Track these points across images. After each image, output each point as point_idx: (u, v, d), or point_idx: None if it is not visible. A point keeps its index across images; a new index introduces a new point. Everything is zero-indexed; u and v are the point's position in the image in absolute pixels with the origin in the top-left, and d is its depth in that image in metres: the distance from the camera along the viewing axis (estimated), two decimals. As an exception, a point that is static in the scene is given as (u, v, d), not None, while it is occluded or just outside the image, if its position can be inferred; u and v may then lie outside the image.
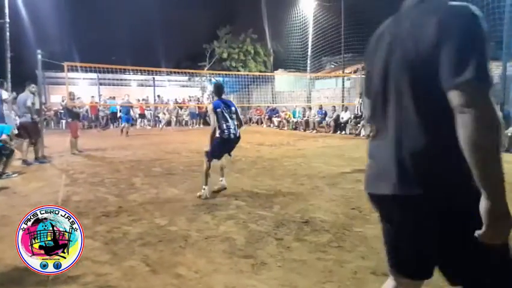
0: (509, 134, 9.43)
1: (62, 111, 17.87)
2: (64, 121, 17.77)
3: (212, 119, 5.00)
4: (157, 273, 2.78)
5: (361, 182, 5.85)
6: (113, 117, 19.85)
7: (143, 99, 21.33)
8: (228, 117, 4.98)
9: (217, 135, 4.98)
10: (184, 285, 2.59)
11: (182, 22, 25.60)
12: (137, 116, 20.06)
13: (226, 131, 4.93)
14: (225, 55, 23.02)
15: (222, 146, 5.04)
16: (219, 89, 5.22)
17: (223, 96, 5.22)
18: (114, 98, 20.04)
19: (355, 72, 16.40)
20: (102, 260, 2.96)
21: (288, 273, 2.77)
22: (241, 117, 5.40)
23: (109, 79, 20.82)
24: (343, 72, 17.13)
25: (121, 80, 22.83)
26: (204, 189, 4.90)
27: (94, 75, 19.90)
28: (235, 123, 5.08)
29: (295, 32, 20.78)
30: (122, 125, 14.94)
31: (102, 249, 3.18)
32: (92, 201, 4.79)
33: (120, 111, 17.56)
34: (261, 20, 23.19)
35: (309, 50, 19.89)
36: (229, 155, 5.34)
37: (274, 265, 2.89)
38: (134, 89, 24.03)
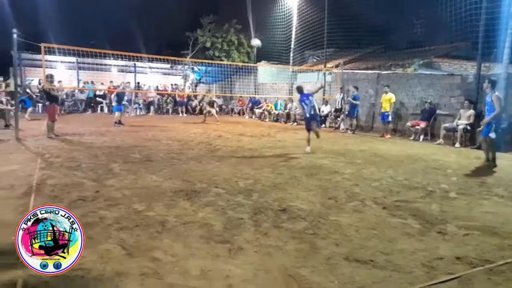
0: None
1: (39, 94, 17.37)
2: (40, 104, 17.25)
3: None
4: (133, 256, 2.79)
5: (338, 173, 5.99)
6: (89, 102, 19.72)
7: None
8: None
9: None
10: (160, 269, 2.61)
11: (165, 9, 25.08)
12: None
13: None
14: (208, 44, 22.76)
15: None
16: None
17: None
18: (88, 82, 20.10)
19: (336, 66, 16.51)
20: (77, 243, 2.93)
21: (263, 258, 2.83)
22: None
23: (88, 63, 20.14)
24: (325, 66, 17.25)
25: (101, 65, 22.16)
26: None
27: (72, 58, 19.27)
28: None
29: (279, 25, 20.70)
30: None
31: (77, 233, 3.14)
32: (68, 186, 4.71)
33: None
34: (246, 10, 23.01)
35: (292, 43, 19.90)
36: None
37: (250, 250, 2.95)
38: (115, 74, 23.46)
